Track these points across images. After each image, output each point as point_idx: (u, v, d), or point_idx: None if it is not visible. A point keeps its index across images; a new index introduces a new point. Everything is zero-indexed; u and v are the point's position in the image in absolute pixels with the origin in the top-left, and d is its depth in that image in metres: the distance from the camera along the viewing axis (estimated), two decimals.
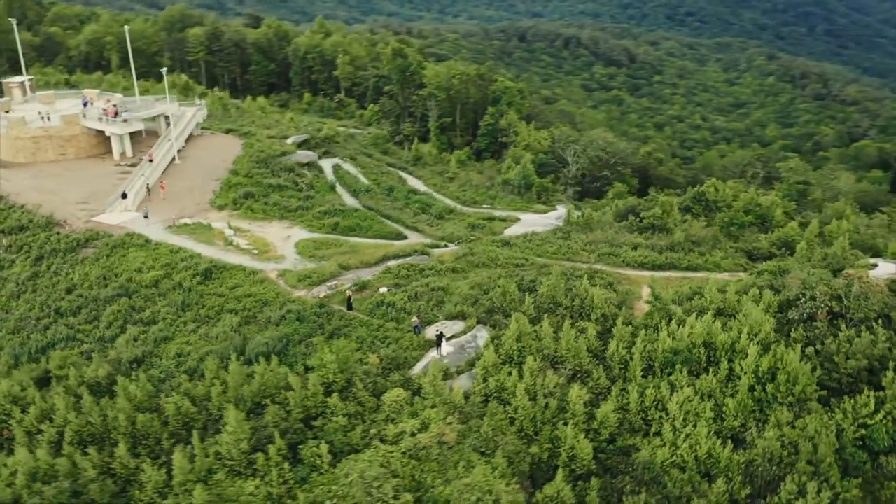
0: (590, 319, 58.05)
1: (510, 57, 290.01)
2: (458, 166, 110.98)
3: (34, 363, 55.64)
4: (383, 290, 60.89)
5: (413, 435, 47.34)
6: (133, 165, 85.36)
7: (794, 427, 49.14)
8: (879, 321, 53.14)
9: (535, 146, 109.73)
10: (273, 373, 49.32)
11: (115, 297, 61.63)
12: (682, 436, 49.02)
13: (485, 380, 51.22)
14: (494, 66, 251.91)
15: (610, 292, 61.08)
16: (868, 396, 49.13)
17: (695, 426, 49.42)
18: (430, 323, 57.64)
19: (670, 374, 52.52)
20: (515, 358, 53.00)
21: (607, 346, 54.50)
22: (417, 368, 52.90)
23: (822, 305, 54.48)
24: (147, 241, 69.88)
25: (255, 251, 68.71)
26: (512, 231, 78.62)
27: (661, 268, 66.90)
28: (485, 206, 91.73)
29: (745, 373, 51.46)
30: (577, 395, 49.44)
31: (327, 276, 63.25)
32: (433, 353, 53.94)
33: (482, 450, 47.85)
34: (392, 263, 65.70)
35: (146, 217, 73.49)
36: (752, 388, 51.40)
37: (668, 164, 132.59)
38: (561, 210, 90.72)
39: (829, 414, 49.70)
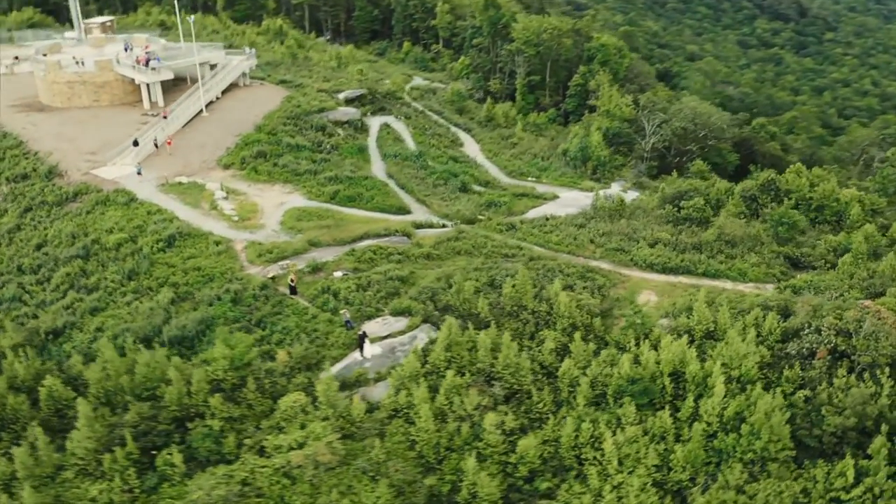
0: (554, 329, 50.86)
1: (662, 7, 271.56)
2: (525, 130, 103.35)
3: None
4: (338, 274, 56.26)
5: (291, 450, 42.75)
6: (159, 116, 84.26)
7: (742, 492, 40.79)
8: (889, 369, 43.08)
9: (616, 113, 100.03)
10: (158, 363, 45.80)
11: (73, 259, 60.61)
12: (611, 485, 41.95)
13: (398, 392, 45.77)
14: (640, 16, 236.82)
15: (594, 297, 53.29)
16: (848, 464, 39.95)
17: (631, 473, 42.21)
18: (371, 317, 52.34)
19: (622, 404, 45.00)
20: (442, 370, 47.00)
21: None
22: (334, 370, 48.07)
23: (825, 341, 44.85)
24: (132, 199, 68.54)
25: (237, 218, 65.72)
26: (539, 211, 71.54)
27: (672, 271, 58.39)
28: (530, 178, 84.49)
29: (706, 416, 43.29)
30: (492, 421, 43.07)
31: (290, 253, 59.29)
32: (356, 355, 48.80)
33: (372, 474, 42.74)
34: (365, 244, 60.57)
35: (139, 174, 71.92)
36: (712, 436, 43.23)
37: (784, 139, 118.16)
38: (614, 188, 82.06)
39: (796, 481, 40.86)
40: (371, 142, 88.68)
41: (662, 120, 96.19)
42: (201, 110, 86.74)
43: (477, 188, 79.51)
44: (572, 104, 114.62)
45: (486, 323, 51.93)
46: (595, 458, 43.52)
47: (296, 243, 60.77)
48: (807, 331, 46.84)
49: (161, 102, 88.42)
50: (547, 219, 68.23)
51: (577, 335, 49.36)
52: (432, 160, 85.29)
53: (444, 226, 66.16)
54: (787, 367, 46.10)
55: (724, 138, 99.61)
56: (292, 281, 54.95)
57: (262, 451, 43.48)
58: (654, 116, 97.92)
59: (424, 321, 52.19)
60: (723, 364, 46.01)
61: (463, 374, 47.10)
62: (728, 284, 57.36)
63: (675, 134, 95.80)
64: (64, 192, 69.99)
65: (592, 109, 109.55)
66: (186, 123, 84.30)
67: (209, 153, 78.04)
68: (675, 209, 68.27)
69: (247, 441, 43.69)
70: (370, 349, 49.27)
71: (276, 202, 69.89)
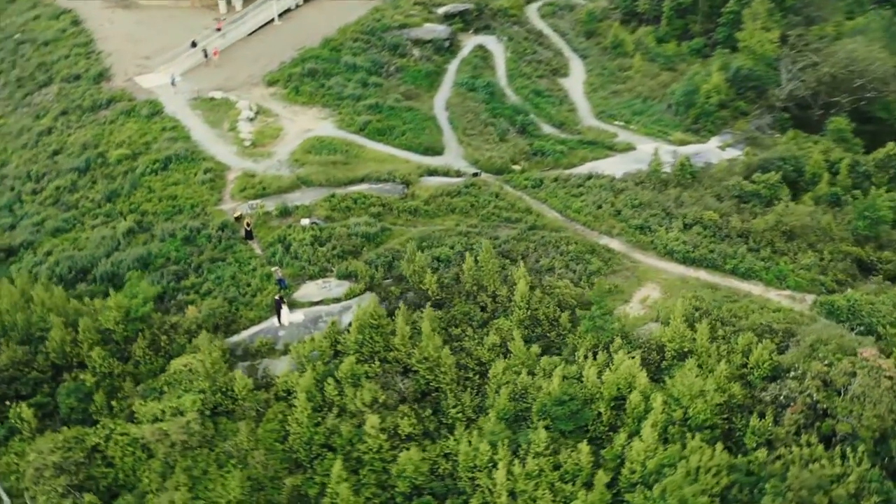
0: (509, 319, 44.26)
1: None
2: (653, 62, 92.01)
3: None
4: (304, 222, 52.21)
5: (156, 420, 40.11)
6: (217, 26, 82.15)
7: None
8: (871, 443, 33.40)
9: (757, 50, 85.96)
10: (54, 303, 44.14)
11: (70, 171, 60.45)
12: None
13: (300, 372, 41.59)
14: None
15: (577, 286, 45.83)
16: None
17: None
18: (313, 278, 47.99)
19: (548, 428, 38.38)
20: (351, 353, 42.12)
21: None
22: (245, 334, 44.53)
23: (805, 393, 35.59)
24: (156, 112, 67.40)
25: (249, 143, 62.84)
26: (593, 167, 62.99)
27: (694, 263, 49.40)
28: (616, 123, 75.05)
29: (631, 462, 35.83)
30: (374, 423, 38.18)
31: (273, 191, 55.91)
32: (274, 320, 44.90)
33: (235, 462, 39.37)
34: (356, 188, 55.69)
35: (173, 84, 70.33)
36: (633, 486, 35.87)
37: None
38: (711, 144, 71.19)
39: None
40: (452, 65, 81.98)
41: (807, 64, 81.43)
42: (273, 19, 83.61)
43: (547, 129, 71.40)
44: (723, 33, 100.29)
45: (439, 302, 46.03)
46: (487, 486, 37.51)
47: (285, 180, 57.04)
48: (792, 374, 37.31)
49: (239, 7, 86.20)
50: (588, 178, 59.62)
51: (518, 333, 42.48)
52: (515, 91, 77.49)
53: (476, 174, 59.49)
54: (758, 415, 37.06)
55: (888, 91, 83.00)
56: (248, 225, 51.39)
57: (131, 417, 41.22)
58: (800, 58, 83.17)
59: (368, 289, 47.05)
60: (667, 400, 37.75)
61: (370, 362, 41.98)
62: (756, 289, 47.55)
63: (822, 82, 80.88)
64: (100, 98, 69.87)
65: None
66: (253, 32, 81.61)
67: (260, 67, 75.13)
68: (748, 182, 57.41)
69: (114, 403, 41.48)
70: (289, 316, 45.10)
71: (302, 128, 66.09)
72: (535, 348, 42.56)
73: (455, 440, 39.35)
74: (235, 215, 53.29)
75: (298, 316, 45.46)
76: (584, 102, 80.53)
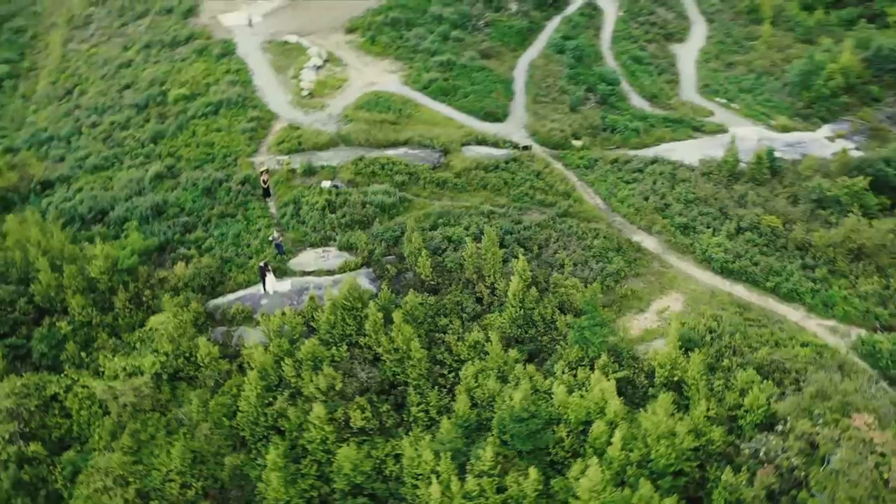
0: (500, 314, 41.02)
1: None
2: (790, 31, 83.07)
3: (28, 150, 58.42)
4: (326, 184, 50.28)
5: (115, 378, 39.95)
6: None
7: None
8: None
9: None
10: (49, 243, 44.44)
11: (130, 107, 61.19)
12: None
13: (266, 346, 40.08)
14: None
15: (586, 287, 41.88)
16: None
17: None
18: (315, 246, 46.26)
19: (506, 444, 35.43)
20: (323, 334, 40.24)
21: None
22: (228, 298, 43.57)
23: (782, 454, 30.75)
24: (227, 53, 67.21)
25: (307, 93, 61.39)
26: (668, 149, 57.43)
27: (732, 275, 43.97)
28: (717, 100, 68.31)
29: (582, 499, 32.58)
30: (319, 413, 36.40)
31: (310, 146, 54.26)
32: (261, 287, 43.61)
33: (185, 431, 38.72)
34: (393, 152, 53.14)
35: (250, 25, 69.53)
36: None
37: None
38: (820, 133, 63.52)
39: None
40: (552, 23, 76.73)
41: None
42: None
43: (635, 102, 65.67)
44: (882, 3, 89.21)
45: (435, 288, 43.18)
46: (425, 499, 34.94)
47: (323, 136, 55.15)
48: (780, 427, 32.21)
49: None
50: (652, 162, 54.17)
51: (495, 335, 39.07)
52: (615, 56, 71.72)
53: (525, 148, 55.45)
54: (734, 469, 32.34)
55: None
56: (265, 182, 49.95)
57: (97, 371, 41.13)
58: None
59: (365, 265, 44.75)
60: (630, 436, 33.54)
61: (337, 345, 39.83)
62: (795, 314, 41.67)
63: None
64: (182, 34, 70.21)
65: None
66: None
67: (345, 12, 73.03)
68: (832, 184, 50.34)
69: (83, 355, 41.45)
70: (275, 284, 43.53)
71: (367, 81, 63.79)
72: (515, 353, 39.00)
73: (408, 441, 36.77)
74: (261, 169, 51.98)
75: (285, 285, 43.80)
76: (692, 73, 73.55)
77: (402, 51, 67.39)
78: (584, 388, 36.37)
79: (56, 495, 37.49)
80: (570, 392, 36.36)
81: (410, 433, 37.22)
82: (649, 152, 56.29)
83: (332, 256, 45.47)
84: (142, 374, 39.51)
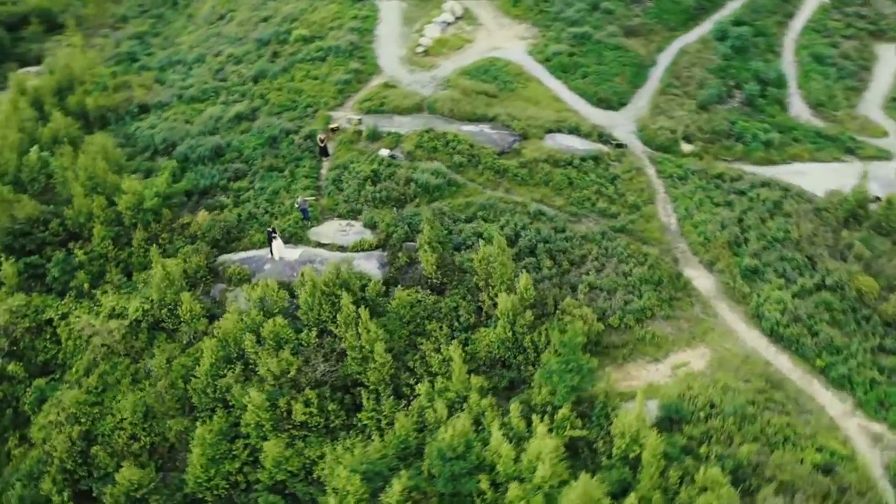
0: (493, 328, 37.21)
1: None
2: None
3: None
4: (384, 152, 47.87)
5: (105, 315, 40.72)
6: None
7: None
8: None
9: None
10: (94, 170, 45.48)
11: (252, 42, 61.23)
12: None
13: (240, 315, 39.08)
14: None
15: (591, 322, 37.10)
16: None
17: None
18: (343, 217, 44.33)
19: (433, 478, 32.60)
20: (303, 321, 38.50)
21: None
22: (236, 257, 42.96)
23: None
24: None
25: (422, 51, 58.71)
26: (794, 171, 49.28)
27: (781, 341, 37.46)
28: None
29: None
30: (256, 400, 35.23)
31: (390, 109, 52.13)
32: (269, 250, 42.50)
33: (149, 383, 38.84)
34: (471, 129, 49.55)
35: None
36: None
37: None
38: None
39: None
40: (734, 4, 67.59)
41: None
42: None
43: (795, 109, 56.60)
44: None
45: (440, 287, 39.79)
46: None
47: (409, 100, 52.36)
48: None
49: None
50: (760, 185, 46.35)
51: (458, 354, 35.17)
52: (796, 50, 62.05)
53: (616, 145, 49.60)
54: None
55: None
56: (322, 140, 48.15)
57: (96, 305, 41.85)
58: None
59: (381, 247, 42.07)
60: None
61: (308, 330, 37.75)
62: (838, 408, 34.22)
63: None
64: None
65: None
66: None
67: None
68: None
69: (88, 285, 42.25)
70: (283, 250, 42.01)
71: (491, 45, 59.67)
72: (480, 380, 35.01)
73: (330, 449, 34.32)
74: (331, 126, 50.21)
75: (294, 253, 42.10)
76: (888, 82, 62.21)
77: (543, 16, 62.19)
78: (527, 440, 31.86)
79: (23, 418, 38.77)
80: (511, 440, 32.01)
81: (337, 441, 34.66)
82: (770, 171, 48.27)
83: (353, 232, 43.08)
84: (125, 317, 39.59)
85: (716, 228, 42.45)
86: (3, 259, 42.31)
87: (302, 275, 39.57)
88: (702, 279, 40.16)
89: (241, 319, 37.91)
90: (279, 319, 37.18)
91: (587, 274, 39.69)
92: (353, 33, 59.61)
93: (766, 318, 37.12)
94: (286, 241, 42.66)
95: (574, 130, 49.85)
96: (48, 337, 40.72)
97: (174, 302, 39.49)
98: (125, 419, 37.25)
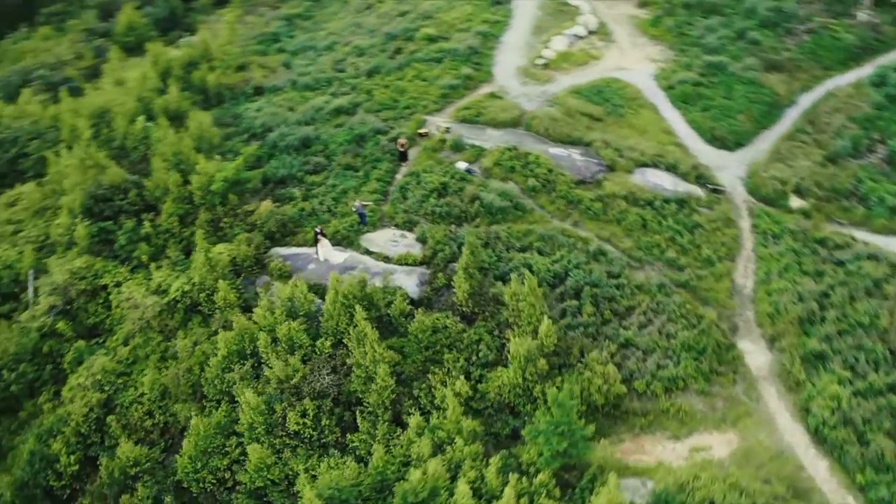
0: (502, 368, 35.16)
1: None
2: None
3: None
4: (461, 165, 46.46)
5: (151, 290, 41.90)
6: None
7: None
8: None
9: None
10: (180, 146, 46.74)
11: (383, 35, 60.98)
12: None
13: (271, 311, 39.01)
14: None
15: (614, 382, 34.36)
16: None
17: None
18: (399, 227, 43.37)
19: None
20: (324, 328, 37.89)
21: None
22: (289, 251, 43.02)
23: None
24: (500, 1, 63.35)
25: (542, 63, 56.55)
26: None
27: (823, 443, 32.66)
28: None
29: None
30: (248, 400, 34.72)
31: (485, 121, 50.51)
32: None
33: (173, 364, 39.57)
34: (557, 151, 47.12)
35: None
36: None
37: None
38: None
39: None
40: None
41: None
42: None
43: None
44: None
45: (471, 317, 37.86)
46: None
47: (507, 114, 50.27)
48: None
49: None
50: (866, 257, 40.75)
51: (451, 394, 33.14)
52: None
53: (713, 189, 45.35)
54: None
55: None
56: (402, 145, 47.11)
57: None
58: None
59: (424, 264, 40.65)
60: None
61: (324, 338, 36.89)
62: None
63: None
64: None
65: None
66: None
67: None
68: None
69: (146, 258, 43.32)
70: (329, 251, 41.45)
71: (616, 64, 56.43)
72: (472, 423, 32.92)
73: (302, 467, 33.32)
74: (420, 131, 49.07)
75: (340, 256, 41.35)
76: None
77: (680, 40, 58.14)
78: (497, 499, 29.51)
79: (62, 375, 40.40)
80: (481, 497, 29.79)
81: (324, 458, 33.60)
82: (887, 243, 42.31)
83: (403, 244, 41.77)
84: (166, 294, 40.39)
85: (791, 300, 37.64)
86: (79, 221, 44.12)
87: (336, 280, 38.60)
88: (757, 355, 35.77)
89: (265, 316, 37.50)
90: (295, 324, 36.47)
91: (627, 328, 36.38)
92: (478, 37, 58.13)
93: (813, 415, 32.45)
94: (337, 244, 41.96)
95: (671, 168, 45.98)
96: (101, 302, 42.05)
97: (212, 287, 39.71)
98: (144, 395, 37.87)
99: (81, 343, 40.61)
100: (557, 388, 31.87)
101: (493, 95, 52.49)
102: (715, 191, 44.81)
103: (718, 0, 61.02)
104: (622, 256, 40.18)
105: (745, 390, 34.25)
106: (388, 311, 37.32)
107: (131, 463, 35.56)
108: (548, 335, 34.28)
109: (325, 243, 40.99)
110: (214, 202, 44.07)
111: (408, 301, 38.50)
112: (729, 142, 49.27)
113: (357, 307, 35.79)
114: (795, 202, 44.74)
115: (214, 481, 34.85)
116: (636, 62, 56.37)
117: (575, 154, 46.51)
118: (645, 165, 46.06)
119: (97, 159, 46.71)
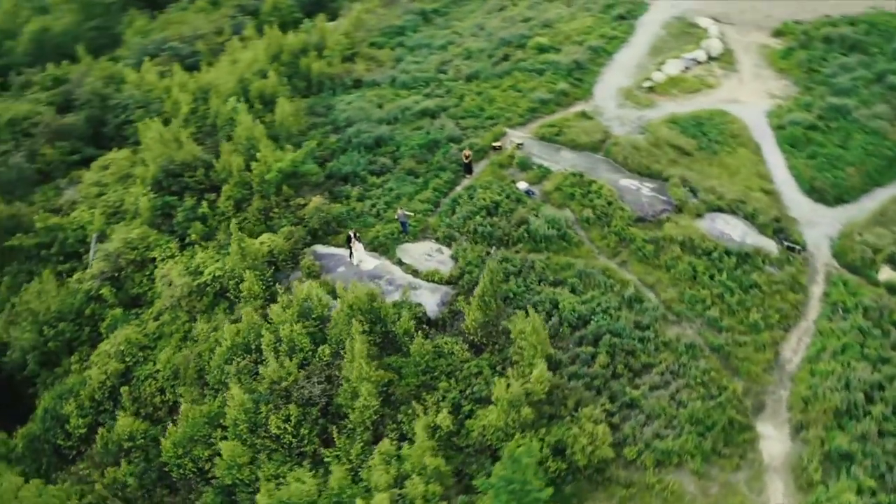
0: (487, 407, 33.58)
1: None
2: None
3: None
4: (522, 185, 44.51)
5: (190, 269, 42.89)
6: None
7: None
8: None
9: None
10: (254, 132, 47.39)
11: (496, 41, 59.26)
12: None
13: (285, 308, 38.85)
14: None
15: (600, 444, 32.09)
16: None
17: None
18: (439, 241, 42.11)
19: None
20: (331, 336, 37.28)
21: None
22: (326, 250, 42.87)
23: None
24: (626, 16, 60.57)
25: (648, 86, 52.83)
26: None
27: None
28: None
29: None
30: (235, 394, 34.87)
31: (564, 142, 47.96)
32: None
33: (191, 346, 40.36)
34: (625, 183, 44.28)
35: None
36: None
37: None
38: None
39: None
40: None
41: None
42: None
43: None
44: None
45: (479, 346, 36.14)
46: None
47: (589, 137, 47.39)
48: None
49: None
50: None
51: (422, 429, 31.57)
52: None
53: (789, 247, 40.87)
54: None
55: None
56: (466, 157, 45.57)
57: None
58: None
59: (451, 283, 39.18)
60: None
61: (324, 345, 36.24)
62: None
63: None
64: None
65: None
66: None
67: (789, 10, 58.77)
68: None
69: (196, 236, 44.11)
70: (362, 255, 40.84)
71: (731, 96, 51.83)
72: (439, 462, 31.15)
73: (265, 476, 32.74)
74: (495, 144, 47.31)
75: (371, 262, 40.56)
76: None
77: (809, 76, 52.67)
78: None
79: (98, 339, 42.03)
80: None
81: (296, 469, 32.92)
82: None
83: (436, 260, 40.38)
84: (200, 274, 41.06)
85: (835, 385, 33.13)
86: (147, 192, 45.70)
87: (355, 287, 37.81)
88: (775, 442, 31.81)
89: (279, 313, 37.22)
90: (297, 326, 35.97)
91: (637, 387, 33.36)
92: (588, 52, 55.26)
93: None
94: (373, 250, 41.14)
95: (749, 216, 41.81)
96: (147, 274, 43.37)
97: (241, 276, 39.92)
98: (159, 372, 38.72)
99: (118, 311, 42.04)
100: (519, 442, 29.51)
101: (583, 115, 49.69)
102: (791, 248, 40.24)
103: (864, 37, 54.76)
104: (659, 307, 36.86)
105: (748, 479, 30.48)
106: (393, 328, 36.06)
107: (126, 437, 36.33)
108: (539, 381, 31.94)
109: (358, 247, 40.25)
110: (268, 191, 44.23)
111: (424, 320, 37.24)
112: (829, 195, 44.17)
113: (354, 320, 34.78)
114: (885, 273, 39.44)
115: (195, 470, 34.98)
116: (753, 96, 51.69)
117: (645, 188, 43.22)
118: (720, 210, 42.06)
119: (176, 134, 48.07)
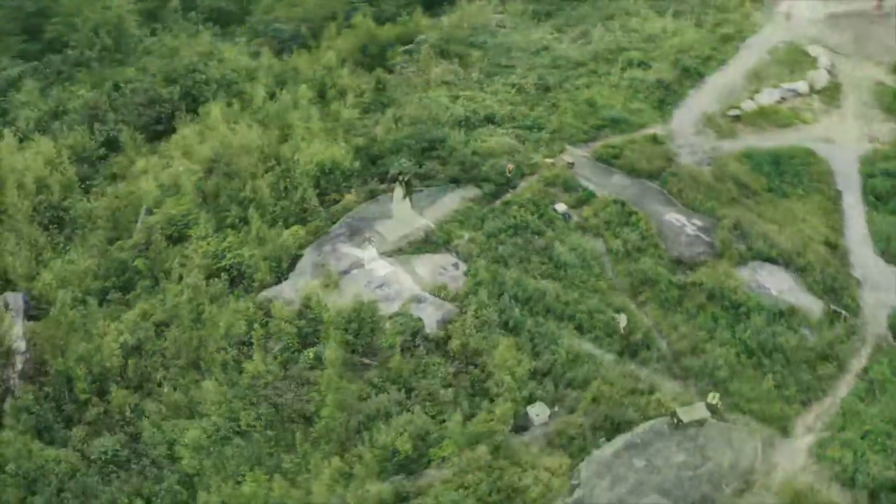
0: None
1: None
2: None
3: None
4: (560, 207, 42.08)
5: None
6: None
7: None
8: None
9: None
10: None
11: (587, 52, 56.67)
12: None
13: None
14: None
15: None
16: None
17: None
18: (459, 255, 40.49)
19: None
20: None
21: None
22: (346, 249, 41.88)
23: None
24: (734, 37, 56.23)
25: (735, 114, 49.10)
26: None
27: None
28: None
29: None
30: (209, 388, 34.95)
31: (621, 166, 44.93)
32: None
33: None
34: (670, 217, 41.23)
35: (787, 19, 56.06)
36: None
37: None
38: None
39: None
40: None
41: None
42: None
43: None
44: None
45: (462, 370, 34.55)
46: None
47: (649, 164, 44.37)
48: None
49: None
50: None
51: (370, 456, 30.34)
52: None
53: (834, 310, 36.56)
54: None
55: None
56: (509, 171, 43.66)
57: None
58: None
59: (456, 300, 37.57)
60: None
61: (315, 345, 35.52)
62: None
63: None
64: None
65: None
66: None
67: None
68: None
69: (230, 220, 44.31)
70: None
71: (824, 135, 47.74)
72: (385, 491, 29.83)
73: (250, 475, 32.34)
74: (549, 160, 45.14)
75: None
76: None
77: None
78: None
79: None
80: None
81: (256, 469, 32.44)
82: None
83: (449, 276, 38.68)
84: (220, 259, 41.39)
85: (839, 476, 29.22)
86: (197, 172, 46.47)
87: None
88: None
89: (280, 308, 36.89)
90: (289, 326, 35.48)
91: (627, 469, 30.54)
92: (679, 71, 51.75)
93: None
94: (390, 255, 40.03)
95: (800, 270, 37.72)
96: (183, 251, 43.92)
97: (257, 267, 39.85)
98: (165, 348, 39.23)
99: (146, 282, 42.78)
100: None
101: (653, 138, 46.52)
102: (836, 312, 35.93)
103: None
104: (665, 358, 33.82)
105: None
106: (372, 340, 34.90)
107: (116, 409, 36.93)
108: (503, 420, 29.95)
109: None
110: (307, 184, 43.93)
111: (422, 336, 35.88)
112: None
113: (332, 329, 33.92)
114: None
115: (168, 453, 35.06)
116: (849, 137, 47.24)
117: (691, 226, 39.92)
118: (769, 260, 38.20)
119: (238, 117, 48.70)
